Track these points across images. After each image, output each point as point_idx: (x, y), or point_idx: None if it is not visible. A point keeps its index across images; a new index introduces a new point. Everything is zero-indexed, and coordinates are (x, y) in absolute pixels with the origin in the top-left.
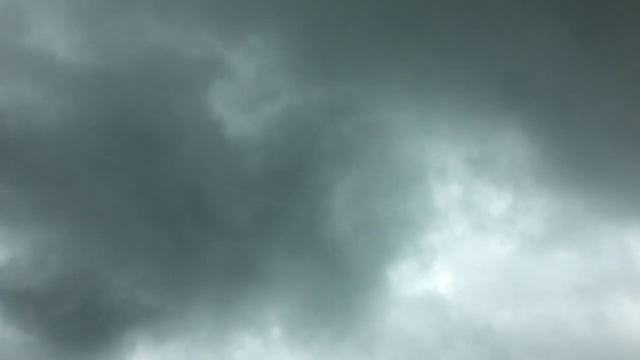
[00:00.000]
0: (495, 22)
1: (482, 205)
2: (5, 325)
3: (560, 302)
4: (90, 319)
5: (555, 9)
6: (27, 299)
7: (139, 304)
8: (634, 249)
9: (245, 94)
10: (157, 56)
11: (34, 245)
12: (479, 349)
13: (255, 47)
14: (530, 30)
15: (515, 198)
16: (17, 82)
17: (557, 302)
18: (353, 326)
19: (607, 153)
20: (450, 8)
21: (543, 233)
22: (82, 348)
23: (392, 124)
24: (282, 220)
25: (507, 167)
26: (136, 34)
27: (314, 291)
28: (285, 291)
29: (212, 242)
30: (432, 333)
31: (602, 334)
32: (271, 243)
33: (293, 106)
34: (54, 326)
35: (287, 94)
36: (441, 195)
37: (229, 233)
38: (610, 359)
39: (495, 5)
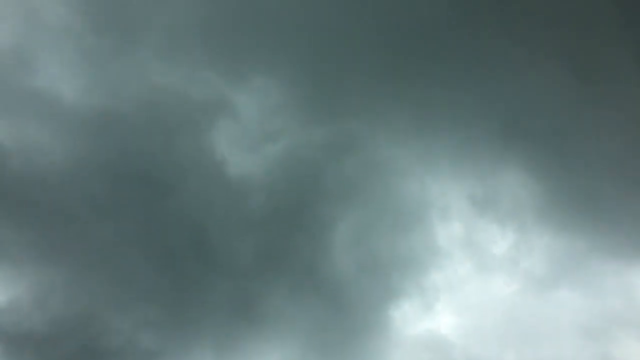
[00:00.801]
0: (495, 61)
1: (484, 245)
2: None
3: (565, 343)
4: None
5: (555, 49)
6: (27, 341)
7: (140, 346)
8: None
9: (248, 134)
10: (162, 97)
11: (36, 286)
12: None
13: (258, 87)
14: (530, 69)
15: (518, 237)
16: (23, 123)
17: (561, 343)
18: None
19: (610, 192)
20: (451, 48)
21: (546, 272)
22: None
23: (394, 162)
24: (284, 259)
25: (509, 206)
26: (141, 75)
27: (316, 332)
28: (287, 332)
29: (214, 282)
30: None
31: None
32: (273, 283)
33: (295, 145)
34: None
35: (290, 133)
36: (444, 234)
37: (230, 273)
38: None
39: (495, 46)
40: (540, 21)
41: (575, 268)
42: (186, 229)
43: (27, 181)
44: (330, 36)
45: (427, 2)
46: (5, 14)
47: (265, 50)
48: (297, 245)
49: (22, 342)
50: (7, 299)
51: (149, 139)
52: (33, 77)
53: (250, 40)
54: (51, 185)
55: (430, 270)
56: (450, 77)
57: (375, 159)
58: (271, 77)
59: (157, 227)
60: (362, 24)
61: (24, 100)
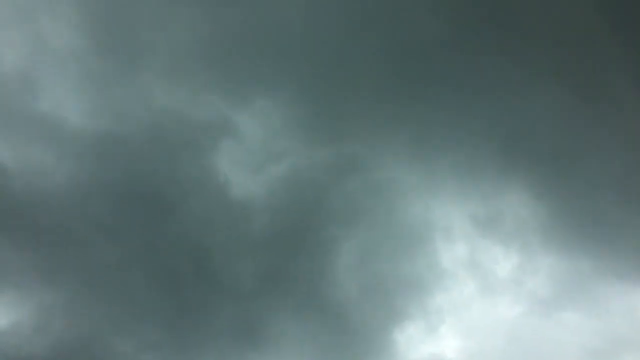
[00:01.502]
0: (496, 83)
1: (488, 266)
2: None
3: None
4: None
5: (557, 70)
6: None
7: None
8: None
9: (250, 156)
10: (165, 119)
11: (37, 309)
12: None
13: (261, 109)
14: (531, 90)
15: (522, 258)
16: (27, 145)
17: None
18: None
19: (614, 213)
20: (453, 70)
21: (550, 294)
22: None
23: (397, 183)
24: (287, 281)
25: (513, 227)
26: (144, 98)
27: (319, 355)
28: (291, 355)
29: (217, 304)
30: None
31: None
32: (276, 305)
33: (298, 167)
34: None
35: (292, 154)
36: (447, 255)
37: (233, 295)
38: None
39: (496, 67)
40: (540, 42)
41: (579, 289)
42: (189, 251)
43: (31, 203)
44: (332, 58)
45: (428, 25)
46: (11, 38)
47: (267, 72)
48: (300, 267)
49: None
50: (9, 322)
51: (152, 161)
52: (37, 100)
53: (253, 62)
54: (54, 207)
55: (434, 292)
56: (451, 98)
57: (378, 180)
58: (273, 99)
59: (160, 249)
60: (363, 46)
61: (29, 123)
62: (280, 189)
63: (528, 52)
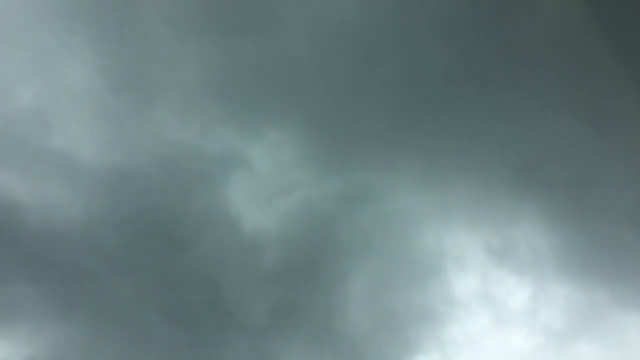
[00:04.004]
0: (508, 110)
1: (502, 297)
2: None
3: None
4: None
5: (569, 97)
6: None
7: None
8: None
9: (262, 188)
10: (178, 153)
11: (53, 344)
12: None
13: (273, 141)
14: (543, 117)
15: (537, 289)
16: (41, 181)
17: None
18: None
19: (630, 241)
20: (463, 98)
21: (566, 326)
22: None
23: (408, 213)
24: (299, 314)
25: (527, 256)
26: (157, 132)
27: None
28: None
29: (229, 338)
30: None
31: None
32: (288, 338)
33: (309, 198)
34: None
35: (304, 186)
36: (460, 286)
37: (246, 329)
38: None
39: (507, 94)
40: (552, 70)
41: (596, 320)
42: (201, 285)
43: (45, 238)
44: (342, 89)
45: (439, 54)
46: (26, 75)
47: (278, 105)
48: (312, 300)
49: None
50: (24, 357)
51: (165, 194)
52: (51, 136)
53: (264, 95)
54: (68, 241)
55: (447, 324)
56: (462, 127)
57: (390, 210)
58: (285, 131)
59: (172, 283)
60: (373, 77)
61: (43, 158)
62: (292, 221)
63: (539, 80)
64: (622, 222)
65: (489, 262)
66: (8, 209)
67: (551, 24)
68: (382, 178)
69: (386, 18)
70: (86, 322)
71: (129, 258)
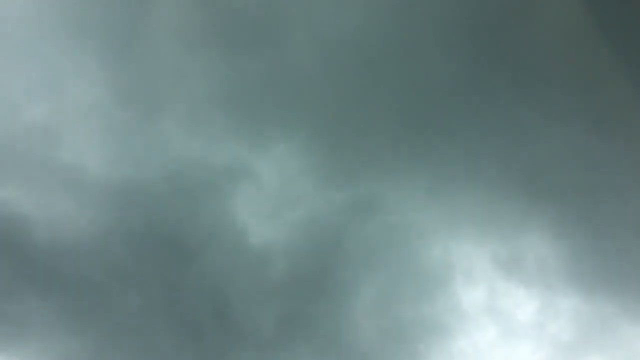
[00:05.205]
0: (514, 121)
1: (510, 309)
2: None
3: None
4: None
5: (577, 107)
6: None
7: None
8: None
9: (269, 200)
10: (185, 166)
11: (64, 356)
12: None
13: (279, 154)
14: (550, 127)
15: (545, 300)
16: (49, 195)
17: None
18: None
19: (638, 252)
20: (470, 108)
21: (574, 338)
22: None
23: (415, 225)
24: (306, 326)
25: (534, 268)
26: (164, 146)
27: None
28: None
29: (237, 352)
30: None
31: None
32: (296, 350)
33: (316, 211)
34: None
35: (310, 198)
36: (468, 298)
37: (253, 342)
38: None
39: (513, 105)
40: (558, 80)
41: (604, 333)
42: (208, 297)
43: (54, 252)
44: (347, 101)
45: (444, 65)
46: (34, 90)
47: (285, 118)
48: (319, 312)
49: None
50: None
51: (172, 207)
52: (60, 150)
53: (270, 108)
54: (76, 254)
55: (455, 336)
56: (468, 138)
57: (396, 221)
58: (291, 144)
59: (180, 295)
60: (379, 89)
61: (51, 173)
62: (299, 233)
63: (545, 90)
64: (631, 233)
65: (497, 274)
66: (17, 223)
67: (556, 34)
68: (388, 190)
69: (391, 31)
70: (94, 334)
71: (136, 271)
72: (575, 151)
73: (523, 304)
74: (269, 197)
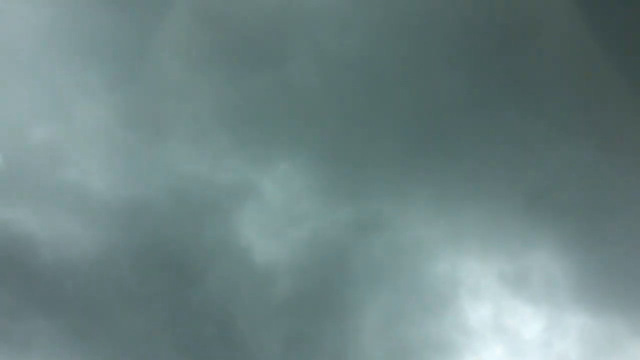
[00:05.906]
0: (519, 136)
1: (517, 327)
2: None
3: None
4: None
5: (581, 122)
6: None
7: None
8: None
9: (273, 219)
10: (189, 185)
11: None
12: None
13: (283, 172)
14: (555, 142)
15: (552, 318)
16: (54, 215)
17: None
18: None
19: None
20: (474, 124)
21: (582, 356)
22: None
23: (420, 242)
24: (311, 345)
25: (541, 285)
26: (169, 165)
27: None
28: None
29: None
30: None
31: None
32: None
33: (321, 229)
34: None
35: (315, 216)
36: (475, 316)
37: None
38: None
39: (519, 121)
40: (563, 95)
41: (612, 352)
42: (213, 316)
43: (59, 271)
44: (352, 119)
45: (449, 81)
46: (40, 111)
47: (289, 135)
48: (324, 331)
49: None
50: None
51: (177, 226)
52: (65, 171)
53: (274, 126)
54: (81, 274)
55: (462, 354)
56: (474, 153)
57: (402, 239)
58: (295, 161)
59: (184, 314)
60: (383, 106)
61: (56, 193)
62: (303, 251)
63: (550, 105)
64: (639, 249)
65: (503, 291)
66: (22, 243)
67: (563, 52)
68: (393, 207)
69: (395, 49)
70: (99, 354)
71: (141, 290)
72: (582, 168)
73: (530, 321)
74: (274, 215)
